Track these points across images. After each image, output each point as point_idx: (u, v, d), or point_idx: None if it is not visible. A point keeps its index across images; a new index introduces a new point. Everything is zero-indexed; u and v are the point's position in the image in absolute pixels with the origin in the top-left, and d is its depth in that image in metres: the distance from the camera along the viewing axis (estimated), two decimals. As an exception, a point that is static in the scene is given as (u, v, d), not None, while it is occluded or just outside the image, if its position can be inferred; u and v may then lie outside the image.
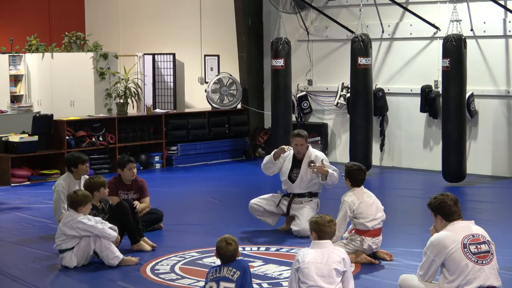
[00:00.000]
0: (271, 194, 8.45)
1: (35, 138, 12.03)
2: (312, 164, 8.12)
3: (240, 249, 5.49)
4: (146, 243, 7.63)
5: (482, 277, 5.19)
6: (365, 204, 7.10)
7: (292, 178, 8.30)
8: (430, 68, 12.58)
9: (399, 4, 12.63)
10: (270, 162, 8.39)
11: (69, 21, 17.44)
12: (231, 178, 12.59)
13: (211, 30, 15.57)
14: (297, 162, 8.30)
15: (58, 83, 15.06)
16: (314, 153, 8.29)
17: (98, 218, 7.12)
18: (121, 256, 7.02)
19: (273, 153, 8.38)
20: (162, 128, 13.59)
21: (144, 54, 16.04)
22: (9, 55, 15.38)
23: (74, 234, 6.95)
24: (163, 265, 7.09)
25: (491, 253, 5.29)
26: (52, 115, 12.64)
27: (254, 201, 8.41)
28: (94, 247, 6.98)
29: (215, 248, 5.39)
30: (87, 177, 8.22)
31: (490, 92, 12.15)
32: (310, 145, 8.38)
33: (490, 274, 5.22)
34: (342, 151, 13.78)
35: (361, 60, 11.97)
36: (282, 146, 8.35)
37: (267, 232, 8.33)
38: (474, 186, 11.37)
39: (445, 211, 5.40)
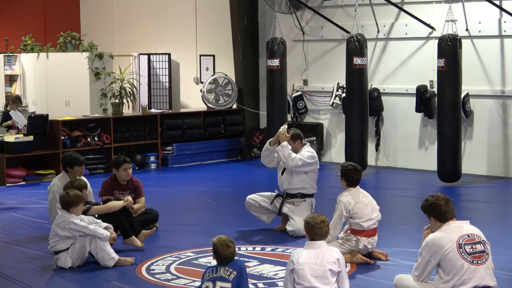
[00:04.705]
0: (267, 192, 8.52)
1: (30, 138, 12.00)
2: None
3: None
4: (138, 239, 7.64)
5: (477, 277, 5.20)
6: (361, 204, 7.10)
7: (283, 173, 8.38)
8: (426, 68, 12.58)
9: (395, 4, 12.63)
10: (266, 149, 8.47)
11: (64, 21, 17.42)
12: (227, 178, 12.58)
13: (206, 30, 15.56)
14: None
15: (53, 83, 15.03)
16: (304, 149, 8.30)
17: (91, 218, 7.10)
18: (117, 257, 7.00)
19: (269, 141, 8.48)
20: (158, 128, 13.58)
21: (140, 54, 16.02)
22: (4, 55, 15.35)
23: (67, 235, 6.93)
24: (158, 265, 7.08)
25: (487, 253, 5.29)
26: (47, 115, 12.62)
27: (250, 196, 8.52)
28: (89, 249, 6.96)
29: (211, 249, 5.35)
30: (83, 177, 8.19)
31: (485, 92, 12.16)
32: (308, 144, 8.41)
33: (485, 274, 5.23)
34: (337, 151, 13.78)
35: (357, 60, 11.97)
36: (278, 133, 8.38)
37: (263, 232, 8.34)
38: (470, 186, 11.38)
39: (437, 212, 5.42)
